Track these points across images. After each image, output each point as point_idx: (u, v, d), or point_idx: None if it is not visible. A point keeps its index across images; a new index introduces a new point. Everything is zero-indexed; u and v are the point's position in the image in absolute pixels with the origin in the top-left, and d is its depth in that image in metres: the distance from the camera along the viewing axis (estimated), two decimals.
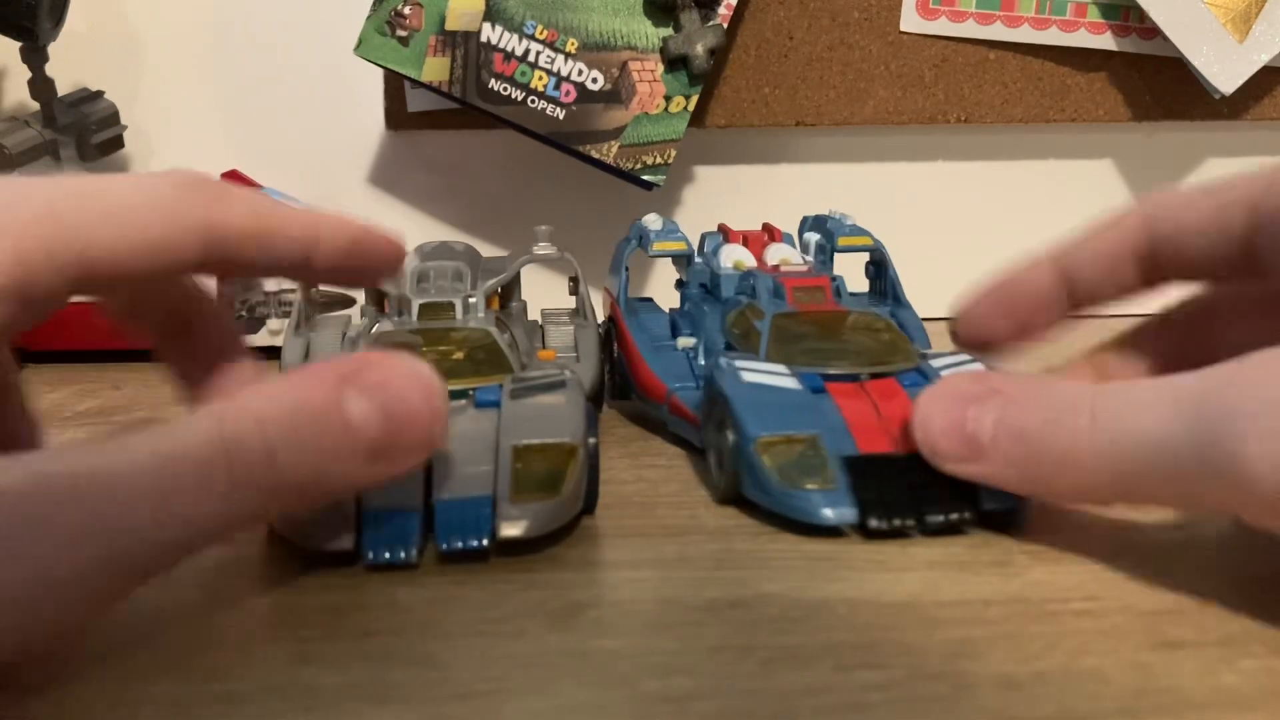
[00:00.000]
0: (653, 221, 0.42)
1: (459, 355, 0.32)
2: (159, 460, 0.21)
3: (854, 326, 0.35)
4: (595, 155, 0.54)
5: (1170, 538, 0.28)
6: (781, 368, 0.32)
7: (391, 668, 0.22)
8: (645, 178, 0.54)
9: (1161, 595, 0.25)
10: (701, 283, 0.41)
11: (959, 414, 0.28)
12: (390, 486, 0.27)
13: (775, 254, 0.40)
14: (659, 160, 0.54)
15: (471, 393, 0.30)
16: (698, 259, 0.41)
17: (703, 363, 0.37)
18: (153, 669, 0.22)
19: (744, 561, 0.27)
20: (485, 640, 0.23)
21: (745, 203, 0.62)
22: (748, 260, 0.40)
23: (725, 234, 0.42)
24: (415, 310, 0.34)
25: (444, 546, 0.26)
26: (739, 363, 0.32)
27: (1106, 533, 0.29)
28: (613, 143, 0.54)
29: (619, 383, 0.40)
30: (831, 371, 0.32)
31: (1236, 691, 0.21)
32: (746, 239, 0.41)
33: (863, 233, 0.41)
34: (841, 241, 0.40)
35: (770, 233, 0.42)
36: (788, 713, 0.20)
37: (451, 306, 0.34)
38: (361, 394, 0.24)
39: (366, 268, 0.29)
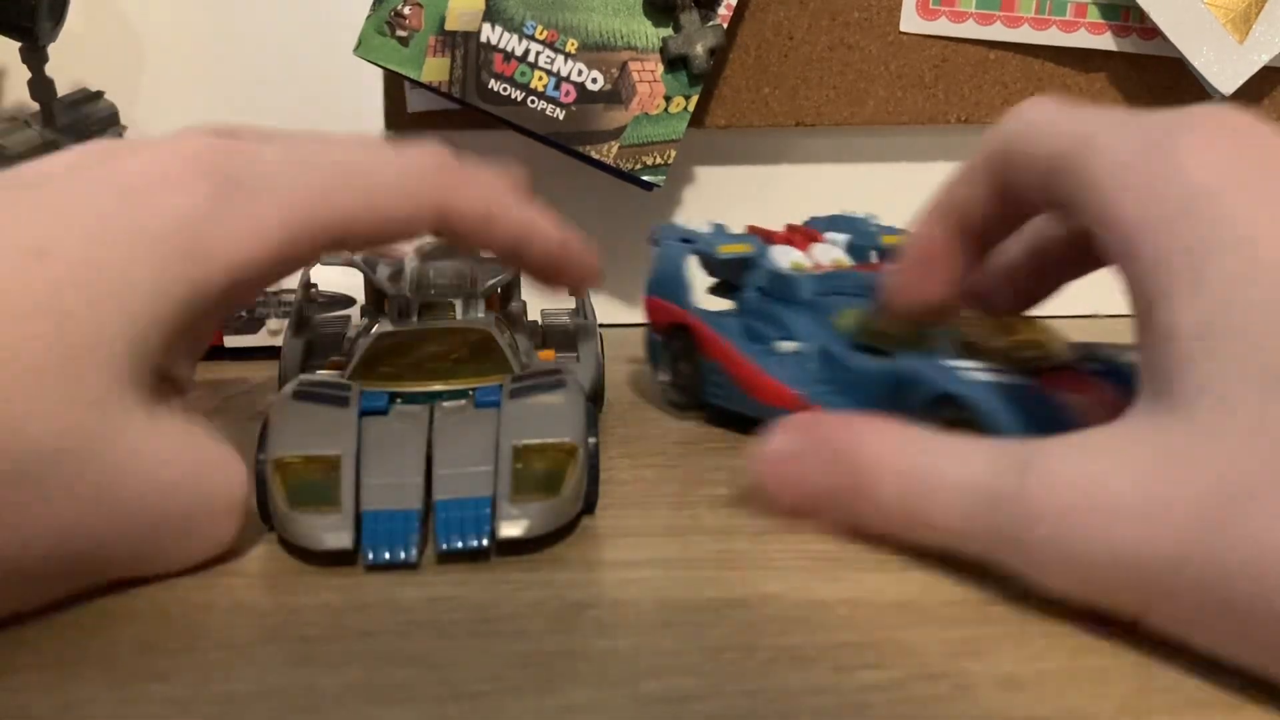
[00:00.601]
0: (703, 225, 0.41)
1: (458, 355, 0.32)
2: None
3: (991, 322, 0.34)
4: (595, 155, 0.54)
5: None
6: (985, 364, 0.31)
7: (391, 668, 0.22)
8: (645, 178, 0.54)
9: None
10: (758, 285, 0.39)
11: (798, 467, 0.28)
12: (390, 487, 0.27)
13: (825, 254, 0.39)
14: (659, 160, 0.54)
15: (471, 393, 0.30)
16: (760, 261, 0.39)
17: (816, 366, 0.35)
18: (152, 669, 0.22)
19: (744, 561, 0.27)
20: (485, 640, 0.23)
21: (745, 203, 0.62)
22: (805, 261, 0.39)
23: (766, 235, 0.41)
24: (416, 310, 0.34)
25: (444, 546, 0.26)
26: (950, 363, 0.31)
27: None
28: (613, 143, 0.54)
29: (693, 391, 0.39)
30: (1044, 366, 0.31)
31: (1237, 691, 0.21)
32: (789, 240, 0.40)
33: (902, 231, 0.41)
34: (887, 241, 0.40)
35: (810, 234, 0.41)
36: (788, 713, 0.20)
37: (452, 306, 0.34)
38: None
39: (565, 275, 0.33)
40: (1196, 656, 0.22)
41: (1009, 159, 0.28)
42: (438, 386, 0.31)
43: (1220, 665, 0.22)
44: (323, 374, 0.32)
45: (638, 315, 0.62)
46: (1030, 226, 0.31)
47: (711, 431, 0.38)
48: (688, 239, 0.40)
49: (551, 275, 0.33)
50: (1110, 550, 0.22)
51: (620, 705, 0.20)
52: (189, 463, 0.25)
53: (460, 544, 0.26)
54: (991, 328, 0.33)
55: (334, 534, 0.26)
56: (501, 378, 0.31)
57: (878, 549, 0.28)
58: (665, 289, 0.40)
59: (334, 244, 0.27)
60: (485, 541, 0.26)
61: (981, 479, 0.24)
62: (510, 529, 0.26)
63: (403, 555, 0.26)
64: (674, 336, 0.40)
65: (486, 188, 0.30)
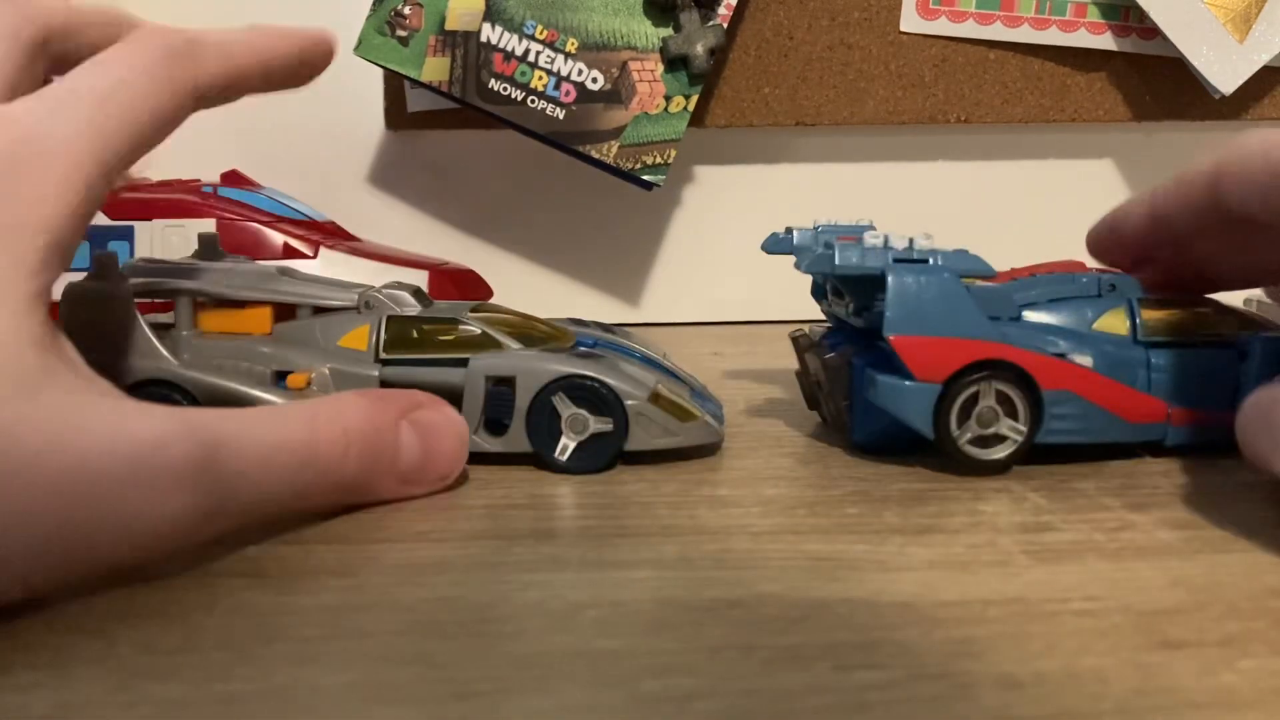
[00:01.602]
0: (805, 232, 0.38)
1: (527, 328, 0.36)
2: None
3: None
4: (595, 155, 0.54)
5: (1170, 538, 0.28)
6: None
7: (391, 668, 0.22)
8: (645, 178, 0.54)
9: (1161, 595, 0.25)
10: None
11: None
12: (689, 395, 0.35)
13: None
14: (659, 160, 0.54)
15: (573, 344, 0.36)
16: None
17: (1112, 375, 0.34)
18: (153, 669, 0.22)
19: (744, 561, 0.27)
20: (485, 640, 0.23)
21: (745, 203, 0.62)
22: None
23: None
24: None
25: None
26: None
27: (1106, 533, 0.29)
28: (613, 143, 0.54)
29: (1022, 438, 0.33)
30: None
31: (1236, 691, 0.21)
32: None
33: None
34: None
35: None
36: (788, 713, 0.20)
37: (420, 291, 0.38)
38: (413, 428, 0.30)
39: (308, 74, 0.34)
40: (1195, 656, 0.22)
41: (1223, 174, 0.33)
42: (566, 343, 0.36)
43: (1218, 665, 0.22)
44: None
45: (637, 315, 0.63)
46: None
47: None
48: (911, 260, 0.34)
49: (303, 77, 0.34)
50: None
51: (620, 705, 0.20)
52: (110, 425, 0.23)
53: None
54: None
55: (720, 426, 0.36)
56: (566, 336, 0.36)
57: (877, 549, 0.28)
58: (945, 324, 0.33)
59: (122, 167, 0.28)
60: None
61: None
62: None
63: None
64: (970, 380, 0.33)
65: (219, 43, 0.30)
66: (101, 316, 0.33)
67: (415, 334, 0.34)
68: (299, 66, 0.33)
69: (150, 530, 0.24)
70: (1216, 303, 0.37)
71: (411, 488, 0.31)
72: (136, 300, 0.34)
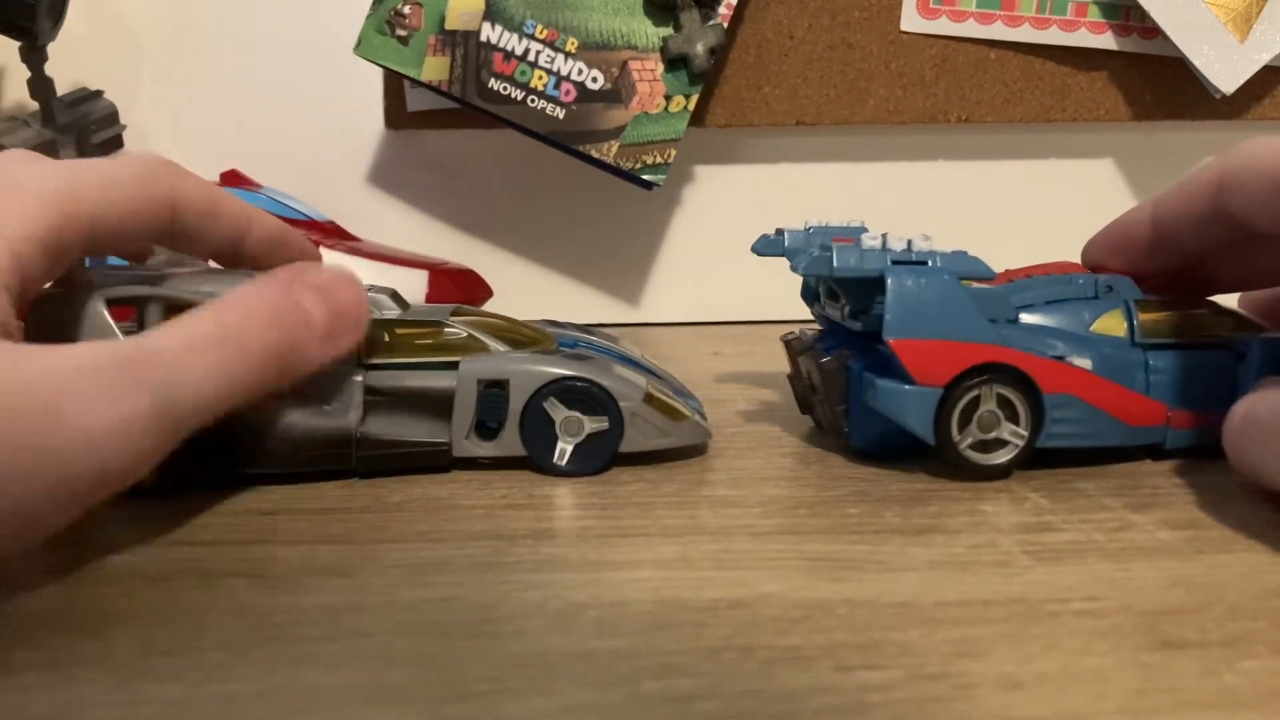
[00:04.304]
0: (796, 232, 0.38)
1: (509, 330, 0.36)
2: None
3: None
4: (595, 155, 0.54)
5: (1170, 538, 0.28)
6: None
7: (391, 668, 0.22)
8: (645, 177, 0.54)
9: (1161, 595, 0.25)
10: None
11: None
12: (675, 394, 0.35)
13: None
14: (659, 160, 0.54)
15: (555, 346, 0.36)
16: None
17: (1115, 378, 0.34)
18: (153, 669, 0.22)
19: (744, 561, 0.27)
20: (485, 640, 0.23)
21: (745, 203, 0.62)
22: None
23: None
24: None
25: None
26: None
27: (1107, 533, 0.29)
28: (613, 142, 0.54)
29: (1023, 443, 0.33)
30: None
31: (1237, 692, 0.21)
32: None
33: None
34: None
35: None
36: (788, 713, 0.20)
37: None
38: (307, 290, 0.31)
39: (285, 257, 0.35)
40: (1196, 656, 0.22)
41: (1226, 182, 0.33)
42: (550, 345, 0.36)
43: (1219, 665, 0.22)
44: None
45: (637, 315, 0.63)
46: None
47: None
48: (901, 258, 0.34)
49: (271, 260, 0.35)
50: None
51: (620, 705, 0.20)
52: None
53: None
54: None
55: (706, 424, 0.36)
56: (546, 338, 0.36)
57: (877, 549, 0.28)
58: (945, 327, 0.32)
59: (88, 237, 0.29)
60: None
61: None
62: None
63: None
64: (971, 384, 0.32)
65: (206, 182, 0.33)
66: (74, 325, 0.31)
67: (399, 337, 0.34)
68: (275, 245, 0.35)
69: (103, 438, 0.24)
70: (1214, 304, 0.37)
71: (337, 341, 0.31)
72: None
